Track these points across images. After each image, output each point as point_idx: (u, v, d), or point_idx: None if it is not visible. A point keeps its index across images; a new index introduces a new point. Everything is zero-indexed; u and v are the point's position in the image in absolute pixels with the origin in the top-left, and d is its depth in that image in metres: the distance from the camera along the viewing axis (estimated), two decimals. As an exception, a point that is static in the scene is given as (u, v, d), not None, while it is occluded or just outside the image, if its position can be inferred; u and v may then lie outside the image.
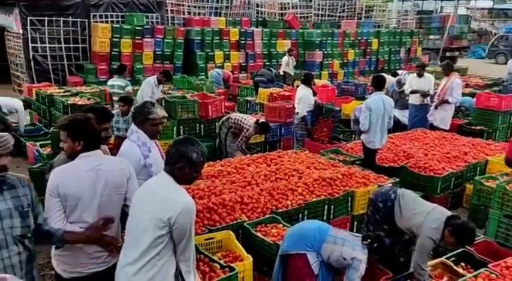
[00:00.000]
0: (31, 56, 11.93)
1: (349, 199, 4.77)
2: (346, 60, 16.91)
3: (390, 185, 4.81)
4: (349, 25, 18.41)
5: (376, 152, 6.04)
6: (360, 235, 3.39)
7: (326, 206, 4.56)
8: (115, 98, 7.88)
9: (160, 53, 13.33)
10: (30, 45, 11.86)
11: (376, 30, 18.59)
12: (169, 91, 9.91)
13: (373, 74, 10.95)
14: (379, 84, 6.07)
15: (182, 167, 2.45)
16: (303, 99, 7.29)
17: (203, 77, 12.95)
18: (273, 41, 15.67)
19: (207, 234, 3.72)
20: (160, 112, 3.14)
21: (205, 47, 14.14)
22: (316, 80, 10.39)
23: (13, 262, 2.28)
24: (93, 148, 2.66)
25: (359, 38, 17.30)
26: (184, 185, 2.56)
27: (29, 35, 11.79)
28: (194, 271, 2.58)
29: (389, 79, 9.35)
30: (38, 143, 7.05)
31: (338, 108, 8.67)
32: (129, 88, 8.21)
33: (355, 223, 4.85)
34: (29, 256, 2.38)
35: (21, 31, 11.82)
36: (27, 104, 8.74)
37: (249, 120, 6.71)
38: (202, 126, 7.53)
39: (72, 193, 2.53)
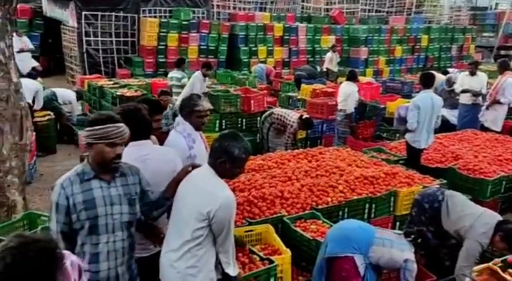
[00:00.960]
0: (84, 49, 12.45)
1: (392, 198, 4.67)
2: (392, 57, 16.48)
3: (437, 186, 4.66)
4: (398, 21, 17.89)
5: (421, 152, 5.87)
6: (401, 232, 3.33)
7: (367, 205, 4.49)
8: (174, 90, 8.23)
9: (205, 47, 13.54)
10: (84, 38, 12.38)
11: (426, 26, 17.96)
12: (213, 85, 10.06)
13: (421, 72, 10.62)
14: (427, 82, 5.88)
15: (224, 162, 2.48)
16: (351, 96, 7.22)
17: (246, 71, 13.04)
18: (317, 37, 15.52)
19: (246, 226, 3.77)
20: (206, 105, 3.21)
21: (249, 42, 14.22)
22: (359, 77, 10.21)
23: (116, 247, 2.40)
24: (141, 137, 2.77)
25: (407, 34, 16.80)
26: (226, 179, 2.60)
27: (83, 29, 12.31)
28: (234, 262, 2.63)
29: (439, 77, 9.03)
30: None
31: (382, 107, 8.50)
32: (185, 80, 8.45)
33: (397, 223, 4.75)
34: (131, 244, 2.49)
35: (76, 25, 12.35)
36: (79, 95, 9.16)
37: (292, 116, 6.70)
38: (244, 120, 7.62)
39: None
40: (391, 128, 8.24)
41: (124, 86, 9.18)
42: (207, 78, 8.33)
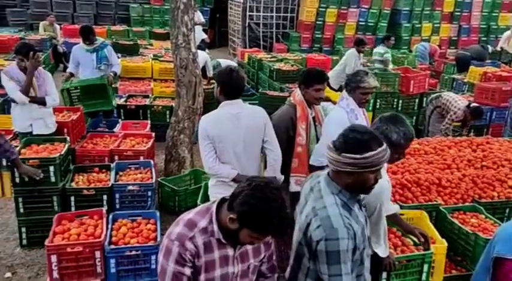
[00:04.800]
0: (247, 24, 13.24)
1: None
2: None
3: None
4: None
5: None
6: None
7: (543, 206, 3.94)
8: (375, 64, 8.53)
9: (363, 23, 13.16)
10: (248, 13, 13.15)
11: None
12: (368, 63, 9.76)
13: None
14: None
15: None
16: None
17: (405, 50, 12.30)
18: (494, 14, 13.74)
19: (397, 209, 3.66)
20: (372, 82, 3.16)
21: (413, 19, 13.32)
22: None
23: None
24: (231, 97, 3.01)
25: None
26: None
27: (248, 4, 13.07)
28: (385, 244, 2.62)
29: None
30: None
31: None
32: (388, 55, 8.59)
33: None
34: None
35: (241, 0, 13.16)
36: (240, 67, 9.83)
37: (459, 102, 6.10)
38: (400, 101, 7.27)
39: (217, 135, 2.92)
40: None
41: (281, 60, 9.53)
42: (361, 54, 8.14)
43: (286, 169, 3.35)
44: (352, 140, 1.87)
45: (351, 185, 1.93)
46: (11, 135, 4.81)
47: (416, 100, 7.27)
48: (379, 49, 8.75)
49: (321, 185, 1.99)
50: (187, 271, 1.83)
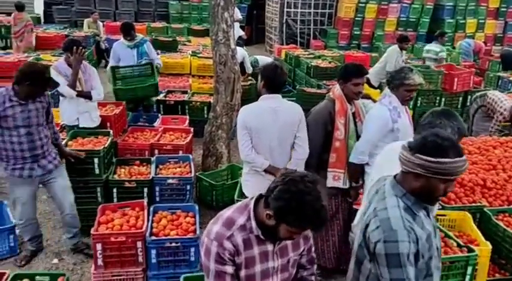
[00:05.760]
0: (284, 20, 13.18)
1: None
2: None
3: None
4: None
5: None
6: None
7: None
8: (427, 62, 8.23)
9: (404, 19, 12.85)
10: (285, 10, 13.09)
11: None
12: (408, 60, 9.52)
13: None
14: None
15: None
16: None
17: (448, 47, 11.91)
18: (544, 9, 13.10)
19: (439, 210, 3.57)
20: (417, 79, 3.08)
21: (457, 14, 12.90)
22: None
23: None
24: (273, 91, 3.13)
25: None
26: None
27: (285, 1, 13.01)
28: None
29: None
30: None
31: None
32: (443, 54, 8.34)
33: None
34: None
35: (280, -4, 13.15)
36: (276, 64, 9.80)
37: (505, 103, 5.81)
38: (443, 99, 7.06)
39: (254, 126, 3.05)
40: None
41: (318, 57, 9.44)
42: (404, 52, 7.94)
43: (323, 163, 3.34)
44: (430, 144, 1.78)
45: (417, 190, 1.83)
46: (58, 128, 5.02)
47: (460, 98, 7.04)
48: (433, 47, 8.33)
49: (385, 188, 1.93)
50: (229, 269, 1.85)
